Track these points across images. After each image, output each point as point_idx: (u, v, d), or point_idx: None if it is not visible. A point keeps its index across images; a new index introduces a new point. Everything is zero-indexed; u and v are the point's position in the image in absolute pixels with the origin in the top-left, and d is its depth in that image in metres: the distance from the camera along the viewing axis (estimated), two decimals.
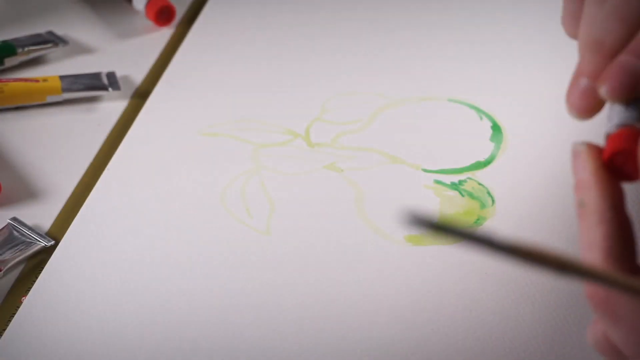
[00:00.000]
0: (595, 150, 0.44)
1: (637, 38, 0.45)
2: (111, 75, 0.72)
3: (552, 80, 0.70)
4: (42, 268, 0.56)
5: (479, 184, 0.61)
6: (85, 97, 0.70)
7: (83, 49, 0.76)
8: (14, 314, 0.54)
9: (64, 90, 0.70)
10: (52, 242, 0.58)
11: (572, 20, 0.50)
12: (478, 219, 0.59)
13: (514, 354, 0.51)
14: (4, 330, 0.53)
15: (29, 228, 0.59)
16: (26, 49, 0.74)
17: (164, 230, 0.58)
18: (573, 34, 0.50)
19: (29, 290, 0.55)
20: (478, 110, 0.67)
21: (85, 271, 0.56)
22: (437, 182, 0.61)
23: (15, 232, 0.58)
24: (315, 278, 0.55)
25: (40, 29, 0.77)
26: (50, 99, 0.70)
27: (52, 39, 0.75)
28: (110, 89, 0.70)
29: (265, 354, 0.51)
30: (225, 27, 0.78)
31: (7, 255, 0.57)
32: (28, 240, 0.58)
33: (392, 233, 0.58)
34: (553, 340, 0.51)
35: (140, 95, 0.71)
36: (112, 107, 0.70)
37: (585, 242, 0.43)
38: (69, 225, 0.59)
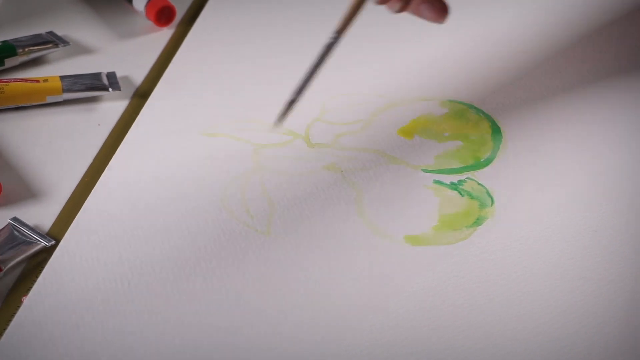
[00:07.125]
0: None
1: None
2: (111, 76, 0.72)
3: (551, 80, 0.70)
4: (43, 268, 0.56)
5: (479, 184, 0.61)
6: (85, 98, 0.70)
7: (83, 49, 0.76)
8: (15, 313, 0.54)
9: (65, 90, 0.70)
10: (53, 242, 0.58)
11: None
12: (478, 219, 0.59)
13: (514, 354, 0.51)
14: (5, 329, 0.53)
15: (30, 228, 0.59)
16: (27, 49, 0.74)
17: (164, 231, 0.58)
18: None
19: (30, 290, 0.55)
20: (477, 110, 0.67)
21: (85, 271, 0.56)
22: (437, 182, 0.62)
23: (15, 232, 0.58)
24: (315, 278, 0.55)
25: (40, 29, 0.77)
26: (50, 99, 0.70)
27: (53, 39, 0.75)
28: (110, 89, 0.70)
29: (265, 353, 0.51)
30: (225, 27, 0.78)
31: (7, 255, 0.57)
32: (29, 240, 0.58)
33: (392, 233, 0.58)
34: (553, 340, 0.51)
35: (141, 95, 0.71)
36: (113, 107, 0.70)
37: None
38: (70, 225, 0.59)
